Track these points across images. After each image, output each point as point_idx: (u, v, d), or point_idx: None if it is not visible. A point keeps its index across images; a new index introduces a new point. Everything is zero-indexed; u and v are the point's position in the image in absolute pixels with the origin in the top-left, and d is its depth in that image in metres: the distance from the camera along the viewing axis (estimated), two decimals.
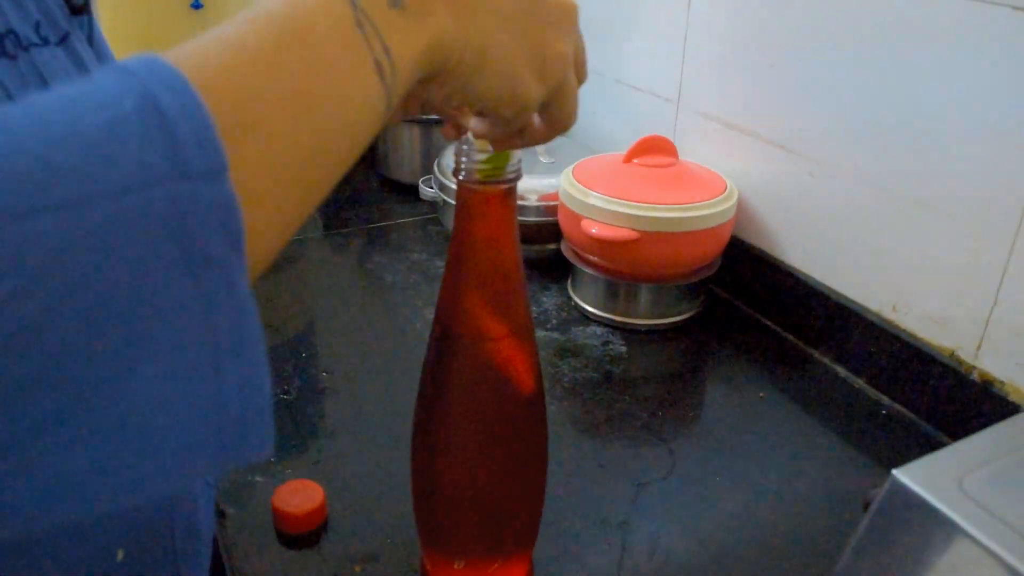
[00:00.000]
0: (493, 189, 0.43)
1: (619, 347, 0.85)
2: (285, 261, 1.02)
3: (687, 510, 0.63)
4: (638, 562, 0.58)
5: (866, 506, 0.43)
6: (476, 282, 0.46)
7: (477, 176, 0.43)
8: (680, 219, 0.81)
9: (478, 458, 0.49)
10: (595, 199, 0.83)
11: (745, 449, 0.70)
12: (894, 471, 0.42)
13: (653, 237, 0.81)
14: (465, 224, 0.45)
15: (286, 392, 0.75)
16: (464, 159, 0.43)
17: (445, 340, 0.47)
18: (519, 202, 0.96)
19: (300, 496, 0.60)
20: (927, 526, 0.40)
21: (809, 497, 0.65)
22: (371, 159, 1.29)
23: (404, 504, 0.54)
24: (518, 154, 0.44)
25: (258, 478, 0.64)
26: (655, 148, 0.87)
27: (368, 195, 1.23)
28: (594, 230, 0.83)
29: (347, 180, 1.39)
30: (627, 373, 0.81)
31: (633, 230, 0.81)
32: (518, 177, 0.44)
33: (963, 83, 0.66)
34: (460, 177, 0.43)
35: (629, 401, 0.76)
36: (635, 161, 0.87)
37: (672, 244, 0.82)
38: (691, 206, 0.81)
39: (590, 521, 0.61)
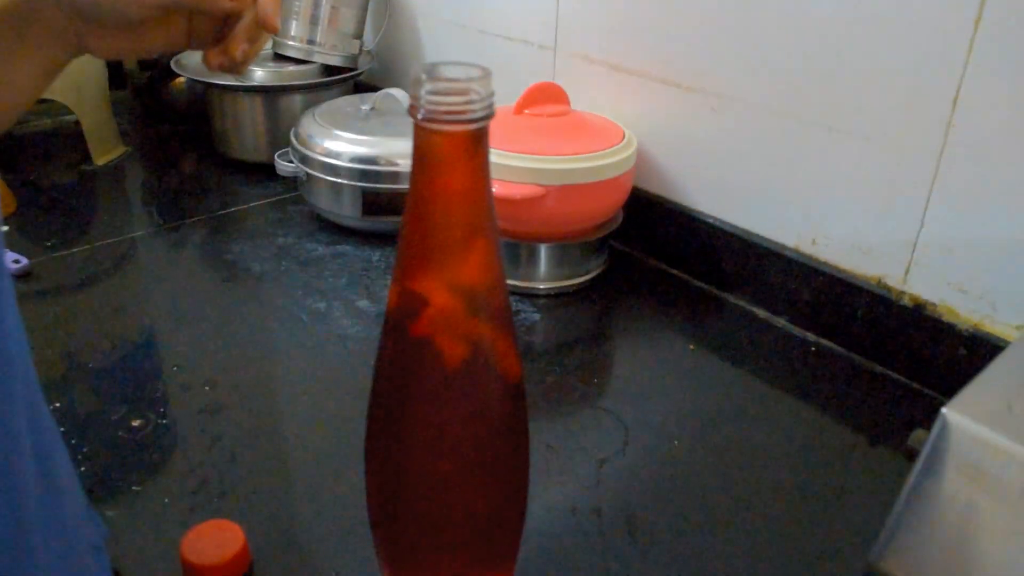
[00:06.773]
0: (461, 129, 0.35)
1: (531, 315, 0.78)
2: (111, 268, 0.87)
3: (656, 481, 0.57)
4: (625, 551, 0.52)
5: (910, 454, 0.39)
6: (443, 249, 0.37)
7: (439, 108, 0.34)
8: (588, 169, 0.74)
9: (456, 467, 0.40)
10: (493, 155, 0.75)
11: (682, 404, 0.66)
12: (944, 409, 0.37)
13: (559, 192, 0.75)
14: (427, 177, 0.36)
15: (162, 416, 0.62)
16: (424, 91, 0.34)
17: (408, 325, 0.38)
18: (392, 168, 0.88)
19: (214, 541, 0.49)
20: (984, 459, 0.37)
21: (768, 445, 0.61)
22: (207, 139, 1.13)
23: (345, 527, 0.45)
24: (491, 87, 0.35)
25: (160, 527, 0.52)
26: (546, 96, 0.80)
27: (208, 179, 1.08)
28: (495, 189, 0.74)
29: (175, 165, 1.20)
30: (549, 342, 0.74)
31: (539, 185, 0.74)
32: (490, 115, 0.35)
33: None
34: (419, 117, 0.34)
35: (560, 372, 0.69)
36: (527, 112, 0.80)
37: (578, 198, 0.76)
38: (597, 155, 0.75)
39: (559, 513, 0.54)
